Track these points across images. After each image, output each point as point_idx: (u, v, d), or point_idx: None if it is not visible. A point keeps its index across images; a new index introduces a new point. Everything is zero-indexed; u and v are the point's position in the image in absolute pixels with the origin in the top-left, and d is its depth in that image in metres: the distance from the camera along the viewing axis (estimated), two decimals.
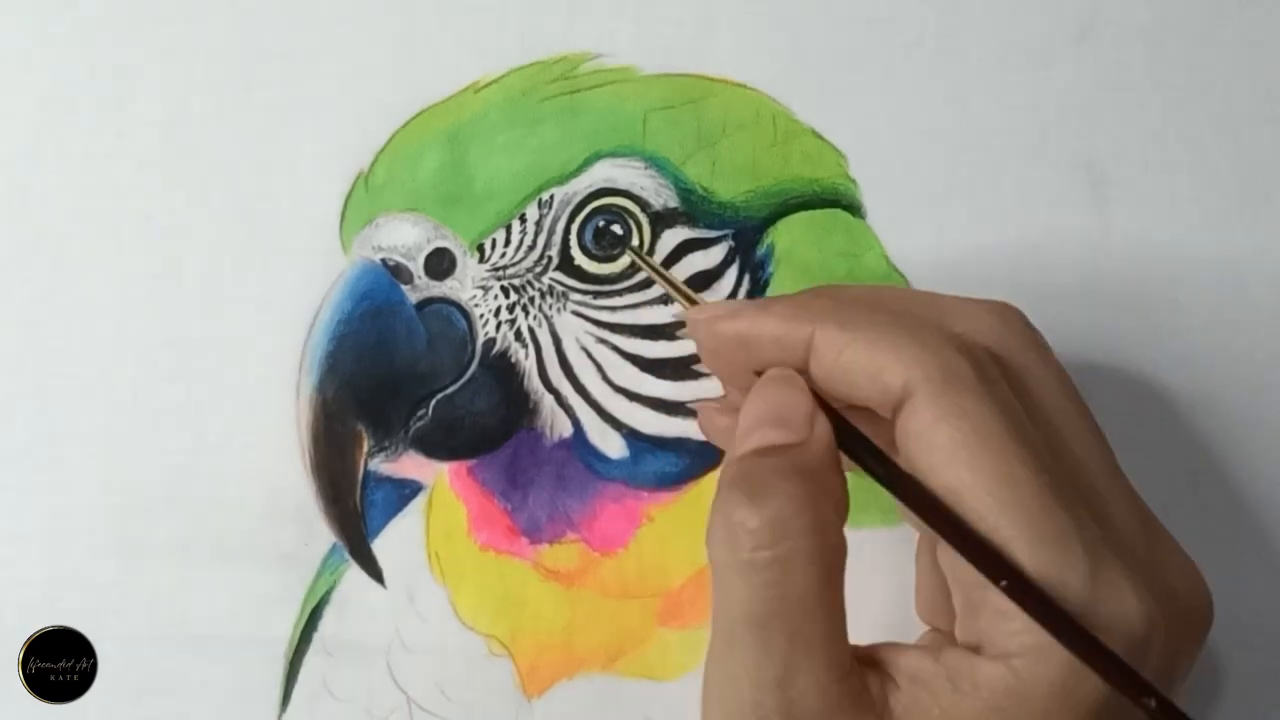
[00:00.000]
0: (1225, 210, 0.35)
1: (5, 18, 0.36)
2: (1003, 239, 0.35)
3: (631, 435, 0.34)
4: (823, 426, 0.27)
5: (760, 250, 0.35)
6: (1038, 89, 0.36)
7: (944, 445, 0.25)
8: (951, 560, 0.25)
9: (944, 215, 0.35)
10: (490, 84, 0.35)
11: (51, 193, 0.35)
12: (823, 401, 0.27)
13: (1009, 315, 0.28)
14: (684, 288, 0.32)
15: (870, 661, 0.26)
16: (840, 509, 0.26)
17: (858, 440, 0.27)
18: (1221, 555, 0.34)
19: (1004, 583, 0.24)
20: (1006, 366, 0.27)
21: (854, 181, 0.35)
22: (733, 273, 0.35)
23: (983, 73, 0.36)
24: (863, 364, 0.26)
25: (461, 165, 0.35)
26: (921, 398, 0.25)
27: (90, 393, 0.34)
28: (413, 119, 0.35)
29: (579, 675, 0.34)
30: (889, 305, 0.28)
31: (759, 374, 0.28)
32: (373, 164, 0.35)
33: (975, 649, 0.25)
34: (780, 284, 0.35)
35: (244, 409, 0.34)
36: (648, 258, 0.34)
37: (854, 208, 0.35)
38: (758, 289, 0.35)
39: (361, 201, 0.35)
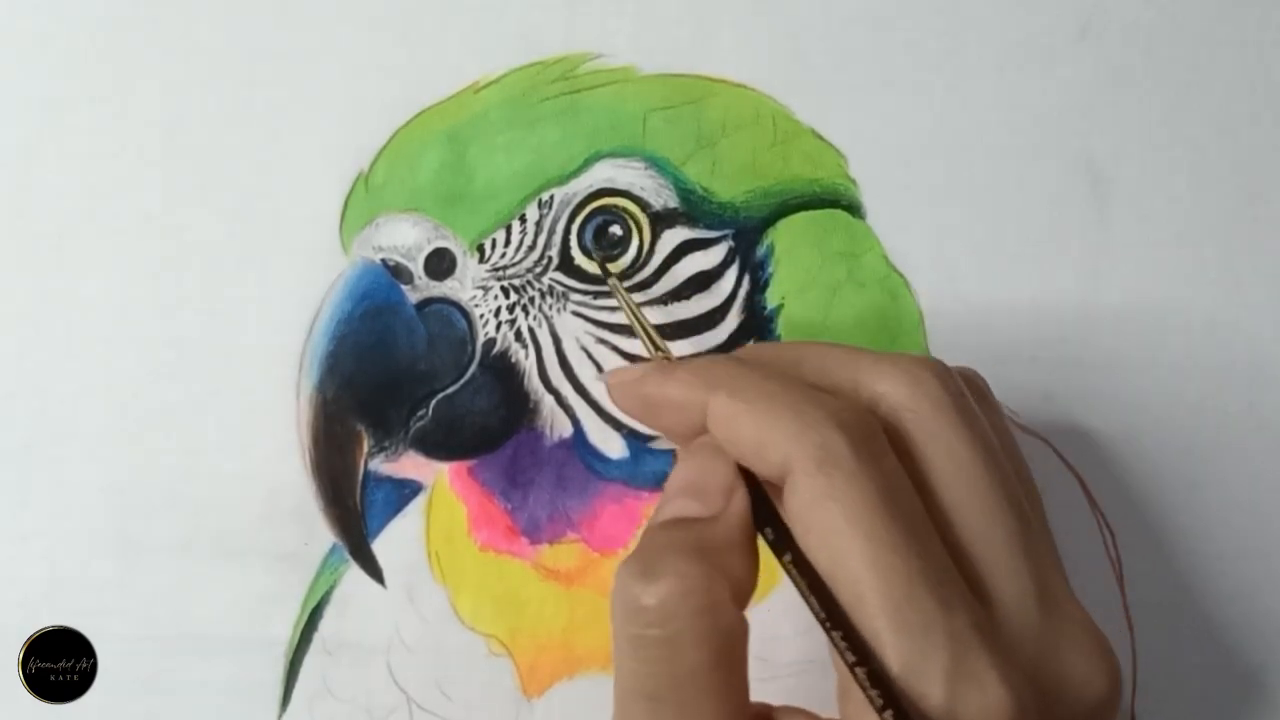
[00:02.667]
0: (1225, 210, 0.35)
1: (5, 18, 0.36)
2: (1003, 239, 0.35)
3: (631, 435, 0.34)
4: (739, 502, 0.26)
5: (760, 250, 0.35)
6: (1038, 89, 0.36)
7: (816, 528, 0.25)
8: (829, 645, 0.25)
9: (944, 215, 0.35)
10: (490, 84, 0.35)
11: (51, 193, 0.35)
12: (745, 473, 0.26)
13: (922, 375, 0.27)
14: (654, 334, 0.31)
15: None
16: (740, 590, 0.26)
17: (770, 517, 0.26)
18: (1221, 554, 0.34)
19: (862, 673, 0.23)
20: (909, 433, 0.26)
21: (854, 181, 0.35)
22: (733, 273, 0.35)
23: (983, 73, 0.36)
24: (748, 436, 0.26)
25: (461, 165, 0.35)
26: (798, 477, 0.25)
27: (90, 392, 0.34)
28: (413, 119, 0.35)
29: (579, 675, 0.34)
30: (798, 369, 0.28)
31: None
32: (373, 164, 0.35)
33: None
34: (780, 284, 0.35)
35: (244, 409, 0.34)
36: (625, 293, 0.33)
37: (854, 208, 0.35)
38: (758, 289, 0.35)
39: (361, 201, 0.35)
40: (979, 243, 0.35)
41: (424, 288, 0.34)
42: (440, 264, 0.34)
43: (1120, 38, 0.36)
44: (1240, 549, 0.34)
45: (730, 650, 0.25)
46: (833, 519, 0.24)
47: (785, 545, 0.25)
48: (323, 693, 0.34)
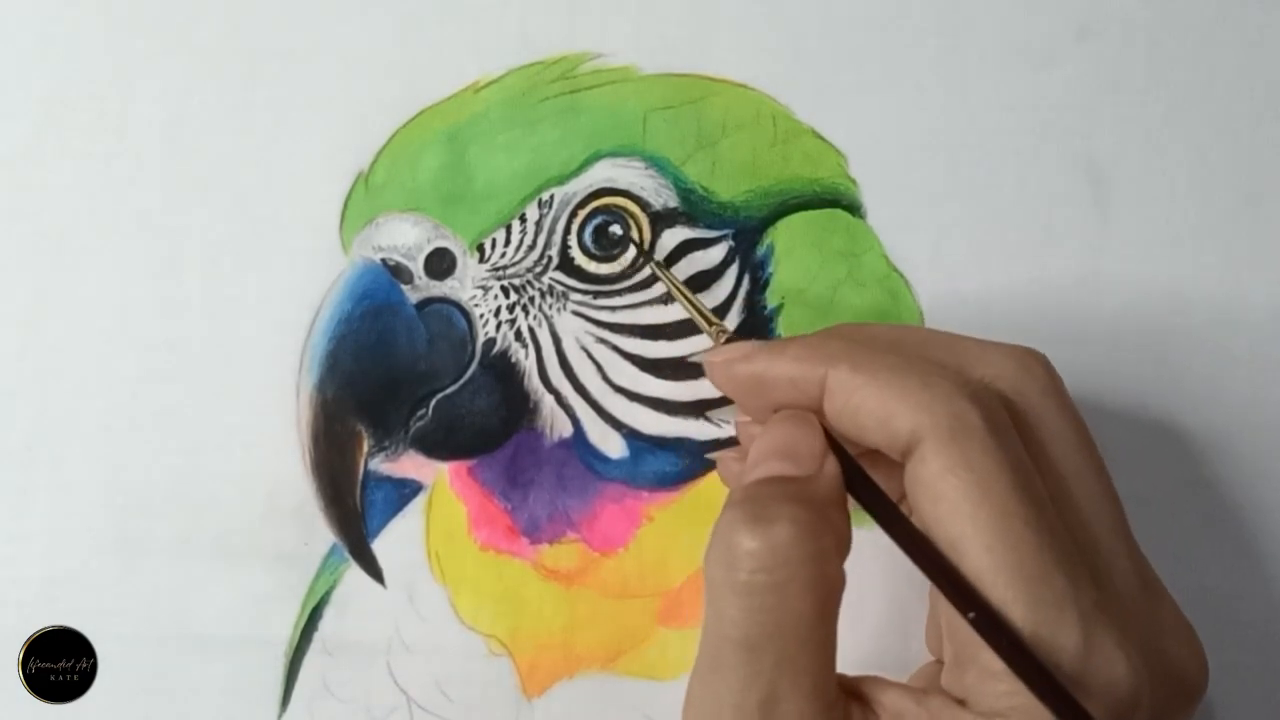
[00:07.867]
0: (1225, 210, 0.35)
1: (5, 18, 0.36)
2: (1003, 239, 0.35)
3: (631, 435, 0.34)
4: (832, 466, 0.27)
5: (760, 250, 0.35)
6: (1038, 89, 0.36)
7: (948, 497, 0.25)
8: (947, 612, 0.25)
9: (944, 215, 0.35)
10: (490, 84, 0.35)
11: (51, 193, 0.35)
12: (834, 442, 0.27)
13: (1029, 362, 0.28)
14: (706, 310, 0.32)
15: (856, 694, 0.26)
16: (841, 545, 0.26)
17: (865, 484, 0.27)
18: (1220, 554, 0.34)
19: (995, 641, 0.24)
20: (1020, 415, 0.27)
21: (854, 181, 0.35)
22: (733, 272, 0.35)
23: (983, 73, 0.36)
24: (873, 408, 0.26)
25: (461, 165, 0.35)
26: (930, 447, 0.25)
27: (90, 393, 0.34)
28: (413, 119, 0.35)
29: (579, 675, 0.34)
30: (907, 348, 0.28)
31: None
32: (373, 164, 0.35)
33: (960, 702, 0.25)
34: (780, 283, 0.35)
35: (244, 409, 0.34)
36: (670, 274, 0.34)
37: (854, 208, 0.35)
38: (758, 289, 0.35)
39: (361, 201, 0.35)
40: (979, 242, 0.35)
41: (424, 287, 0.34)
42: (440, 264, 0.34)
43: (1120, 38, 0.36)
44: (1241, 549, 0.34)
45: (831, 603, 0.25)
46: (967, 488, 0.24)
47: (878, 510, 0.26)
48: (323, 693, 0.34)
